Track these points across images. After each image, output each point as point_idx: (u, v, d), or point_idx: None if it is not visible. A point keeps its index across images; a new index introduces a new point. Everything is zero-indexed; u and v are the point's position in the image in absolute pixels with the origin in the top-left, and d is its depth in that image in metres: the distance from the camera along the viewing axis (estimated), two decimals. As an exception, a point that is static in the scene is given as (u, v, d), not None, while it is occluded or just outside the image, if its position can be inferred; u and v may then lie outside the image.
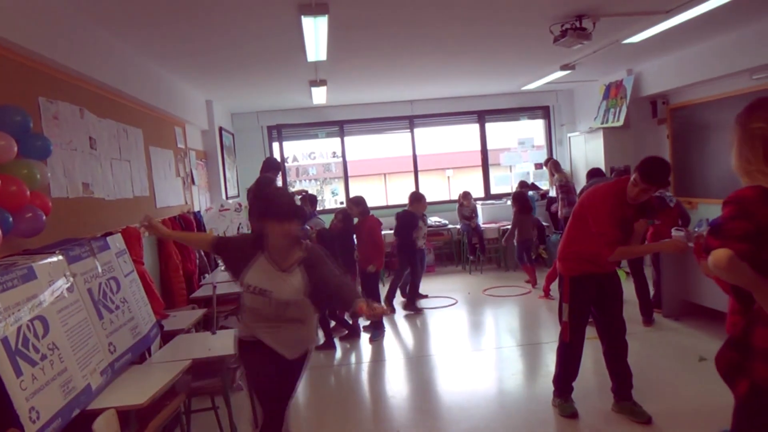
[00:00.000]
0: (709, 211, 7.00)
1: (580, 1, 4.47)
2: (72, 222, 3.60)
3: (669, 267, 5.58)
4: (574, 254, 3.58)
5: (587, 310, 3.63)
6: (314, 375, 4.99)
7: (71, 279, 2.84)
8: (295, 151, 10.02)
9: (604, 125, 8.29)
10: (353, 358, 5.34)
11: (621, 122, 7.97)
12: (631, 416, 3.54)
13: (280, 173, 8.39)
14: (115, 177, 4.39)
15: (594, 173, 6.84)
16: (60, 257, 2.83)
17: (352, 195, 9.65)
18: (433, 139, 12.22)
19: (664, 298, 5.65)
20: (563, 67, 7.05)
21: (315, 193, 7.55)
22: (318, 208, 7.38)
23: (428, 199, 10.00)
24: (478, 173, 10.28)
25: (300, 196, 6.33)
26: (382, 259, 6.05)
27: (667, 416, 3.55)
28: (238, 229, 7.08)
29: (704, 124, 7.25)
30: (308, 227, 6.19)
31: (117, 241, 3.58)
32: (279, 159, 9.58)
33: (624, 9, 4.72)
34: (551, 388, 3.85)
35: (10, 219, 2.60)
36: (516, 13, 4.66)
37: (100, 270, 3.20)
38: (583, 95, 9.50)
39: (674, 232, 5.44)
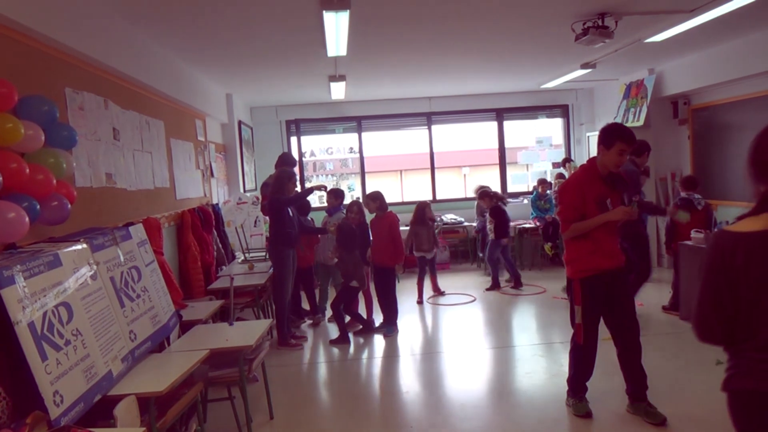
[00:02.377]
0: (729, 213, 6.90)
1: (603, -1, 4.44)
2: (95, 211, 3.66)
3: (687, 269, 5.54)
4: (580, 255, 3.57)
5: (599, 311, 3.62)
6: (328, 369, 5.03)
7: (95, 267, 2.90)
8: (313, 146, 10.06)
9: (624, 125, 8.20)
10: (367, 353, 5.36)
11: (641, 122, 7.89)
12: (645, 417, 3.52)
13: (297, 168, 8.45)
14: (137, 168, 4.45)
15: None
16: (84, 245, 2.89)
17: (368, 191, 9.71)
18: (450, 136, 12.17)
19: (681, 300, 5.60)
20: (584, 66, 7.00)
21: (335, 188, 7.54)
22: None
23: (444, 197, 10.11)
24: (495, 171, 10.25)
25: (326, 190, 6.31)
26: (403, 256, 6.04)
27: (682, 419, 3.53)
28: (255, 222, 7.14)
29: (726, 125, 7.16)
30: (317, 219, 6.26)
31: (138, 231, 3.64)
32: (297, 153, 9.64)
33: (647, 7, 4.68)
34: (565, 387, 3.84)
35: (37, 207, 2.66)
36: (538, 10, 4.64)
37: (122, 259, 3.25)
38: (603, 94, 9.42)
39: (694, 234, 5.41)
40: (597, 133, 9.43)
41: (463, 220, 9.25)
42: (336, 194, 6.54)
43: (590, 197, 3.48)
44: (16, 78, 2.78)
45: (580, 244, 3.56)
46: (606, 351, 3.87)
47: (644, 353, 3.64)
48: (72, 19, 3.43)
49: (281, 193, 5.46)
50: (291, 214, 5.54)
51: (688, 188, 5.83)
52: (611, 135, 3.46)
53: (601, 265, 3.51)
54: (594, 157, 3.62)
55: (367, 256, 5.94)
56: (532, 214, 8.90)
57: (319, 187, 6.09)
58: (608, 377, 4.08)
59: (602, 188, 3.51)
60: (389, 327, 5.81)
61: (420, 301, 7.04)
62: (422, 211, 7.05)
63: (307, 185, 8.92)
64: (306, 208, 6.23)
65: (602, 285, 3.54)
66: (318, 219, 6.71)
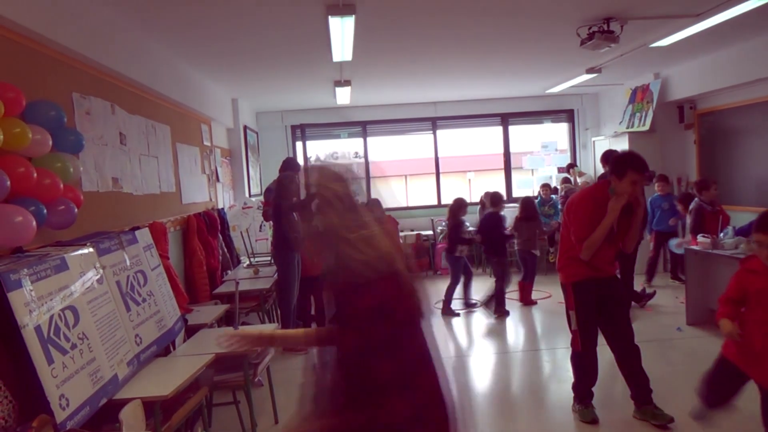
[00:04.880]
0: (736, 218, 6.87)
1: (608, 3, 4.44)
2: (102, 215, 3.67)
3: (693, 274, 5.52)
4: (571, 261, 3.56)
5: (594, 315, 3.60)
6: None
7: (101, 271, 2.91)
8: (318, 151, 10.07)
9: (630, 130, 8.19)
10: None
11: (647, 127, 7.87)
12: (652, 420, 3.49)
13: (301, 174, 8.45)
14: (143, 172, 4.47)
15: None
16: (91, 249, 2.90)
17: (367, 198, 9.68)
18: (455, 141, 12.17)
19: (688, 305, 5.58)
20: (589, 71, 6.98)
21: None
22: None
23: (449, 202, 10.06)
24: (500, 176, 10.24)
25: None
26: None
27: (689, 423, 3.49)
28: (260, 227, 7.15)
29: (732, 129, 7.13)
30: None
31: (144, 236, 3.65)
32: (302, 158, 9.64)
33: (652, 12, 4.67)
34: (571, 393, 3.82)
35: (44, 211, 2.67)
36: (543, 15, 4.64)
37: (128, 263, 3.26)
38: (608, 99, 9.41)
39: (700, 239, 5.39)
40: (602, 137, 9.46)
41: (468, 224, 9.21)
42: None
43: (598, 220, 3.42)
44: (24, 83, 2.80)
45: (569, 254, 3.57)
46: (612, 356, 3.85)
47: (648, 358, 3.61)
48: (79, 24, 3.45)
49: (285, 197, 5.47)
50: (296, 218, 5.55)
51: (700, 191, 5.90)
52: (622, 164, 3.39)
53: (587, 274, 3.52)
54: (606, 180, 3.54)
55: None
56: (536, 219, 8.86)
57: None
58: (614, 382, 4.05)
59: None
60: None
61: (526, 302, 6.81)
62: (532, 206, 6.85)
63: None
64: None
65: (594, 288, 3.54)
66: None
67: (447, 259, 6.87)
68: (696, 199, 6.01)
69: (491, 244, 6.65)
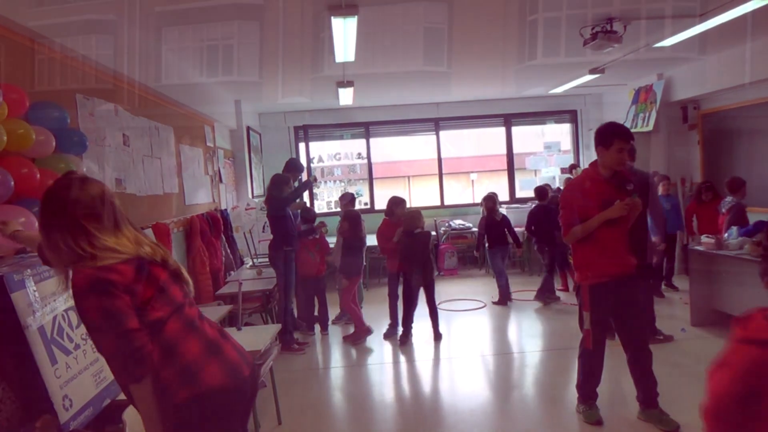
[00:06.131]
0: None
1: (611, 3, 4.43)
2: (105, 216, 3.67)
3: (697, 275, 5.50)
4: (586, 259, 3.53)
5: (608, 316, 3.59)
6: (335, 375, 5.02)
7: (104, 272, 2.91)
8: (321, 152, 10.08)
9: (633, 130, 8.16)
10: (375, 359, 5.34)
11: (650, 127, 7.85)
12: (658, 425, 3.48)
13: (305, 174, 8.46)
14: (146, 173, 4.48)
15: None
16: (94, 250, 2.89)
17: (376, 196, 9.72)
18: (458, 141, 12.17)
19: (692, 306, 5.56)
20: (592, 71, 6.97)
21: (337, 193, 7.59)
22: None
23: (452, 203, 10.09)
24: (503, 177, 10.23)
25: (315, 181, 6.44)
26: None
27: (694, 426, 3.48)
28: (264, 227, 7.16)
29: (736, 130, 7.11)
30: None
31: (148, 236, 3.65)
32: (305, 159, 9.65)
33: (655, 12, 4.67)
34: (575, 394, 3.81)
35: (48, 212, 2.67)
36: (546, 15, 4.63)
37: (131, 264, 3.26)
38: (611, 100, 9.39)
39: (704, 239, 5.38)
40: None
41: (471, 225, 9.21)
42: (350, 199, 6.67)
43: (593, 201, 3.42)
44: (28, 84, 2.81)
45: (586, 250, 3.52)
46: (619, 356, 3.84)
47: (654, 361, 3.60)
48: (83, 26, 3.46)
49: (278, 196, 5.48)
50: (291, 216, 5.57)
51: (734, 192, 5.89)
52: (608, 134, 3.44)
53: (608, 270, 3.46)
54: (596, 161, 3.55)
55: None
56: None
57: (314, 180, 6.25)
58: (619, 383, 4.04)
59: (608, 191, 3.44)
60: (392, 329, 5.78)
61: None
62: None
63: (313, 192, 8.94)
64: (311, 215, 6.29)
65: (611, 290, 3.51)
66: (333, 223, 6.72)
67: (496, 258, 6.92)
68: (731, 197, 5.98)
69: (543, 235, 6.76)
